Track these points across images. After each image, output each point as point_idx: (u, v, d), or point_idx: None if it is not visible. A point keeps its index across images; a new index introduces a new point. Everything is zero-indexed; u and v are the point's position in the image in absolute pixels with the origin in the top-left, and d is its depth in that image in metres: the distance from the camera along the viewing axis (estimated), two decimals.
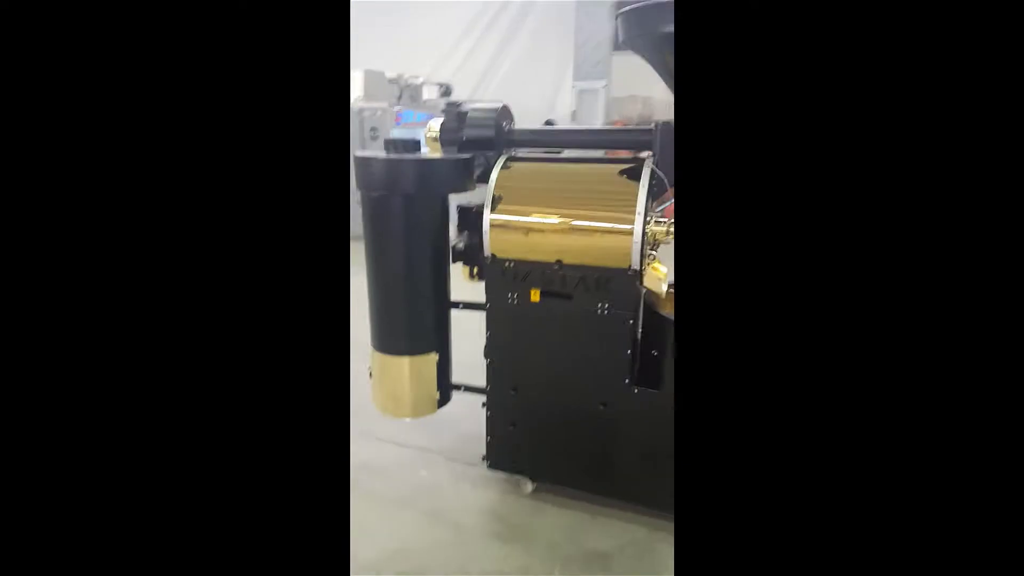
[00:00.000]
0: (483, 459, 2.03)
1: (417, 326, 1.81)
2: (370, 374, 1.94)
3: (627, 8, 1.68)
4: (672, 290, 1.77)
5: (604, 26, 6.19)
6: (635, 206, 1.61)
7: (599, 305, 1.72)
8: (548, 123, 7.01)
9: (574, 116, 6.46)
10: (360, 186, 1.71)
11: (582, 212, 1.70)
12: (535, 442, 1.94)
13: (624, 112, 6.70)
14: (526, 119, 1.99)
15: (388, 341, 1.83)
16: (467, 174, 1.73)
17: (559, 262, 1.73)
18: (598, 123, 6.16)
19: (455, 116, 1.88)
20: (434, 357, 1.85)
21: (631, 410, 1.77)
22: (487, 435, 1.99)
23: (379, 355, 1.86)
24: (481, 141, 1.82)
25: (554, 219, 1.72)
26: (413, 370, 1.84)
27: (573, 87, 6.34)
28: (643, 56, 1.74)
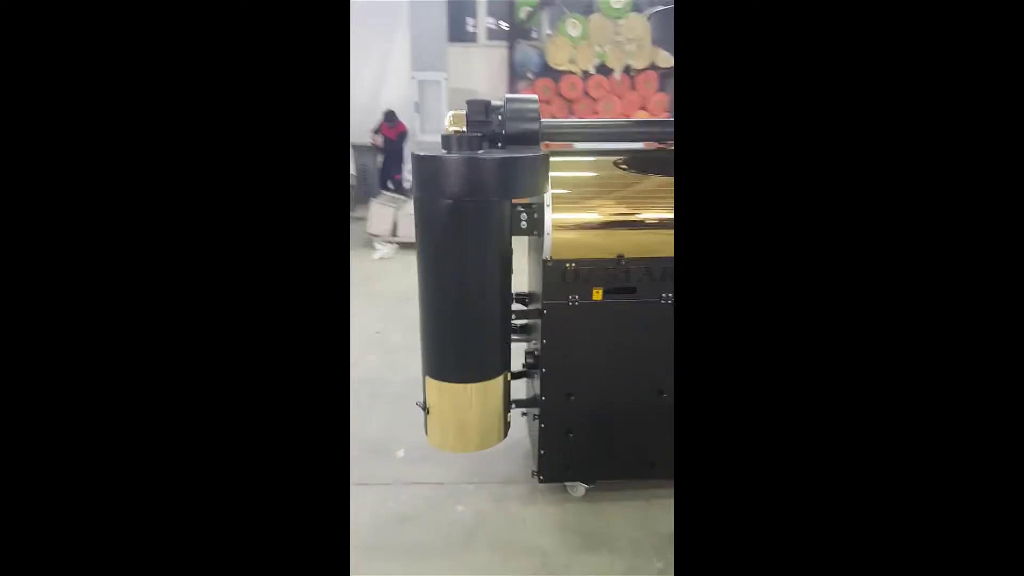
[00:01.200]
0: (534, 474, 1.92)
1: (491, 347, 1.61)
2: (425, 409, 1.66)
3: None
4: None
5: (440, 18, 6.06)
6: None
7: (662, 296, 1.75)
8: (389, 113, 6.69)
9: (417, 107, 6.22)
10: (424, 191, 1.44)
11: (646, 204, 1.70)
12: (591, 445, 1.89)
13: (452, 105, 6.69)
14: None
15: (457, 368, 1.59)
16: (545, 174, 1.57)
17: (620, 256, 1.71)
18: (445, 113, 6.04)
19: (482, 108, 1.69)
20: (501, 380, 1.67)
21: None
22: (540, 449, 1.88)
23: (441, 384, 1.60)
24: (526, 135, 1.68)
25: (620, 214, 1.69)
26: (482, 397, 1.63)
27: (412, 78, 6.08)
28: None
